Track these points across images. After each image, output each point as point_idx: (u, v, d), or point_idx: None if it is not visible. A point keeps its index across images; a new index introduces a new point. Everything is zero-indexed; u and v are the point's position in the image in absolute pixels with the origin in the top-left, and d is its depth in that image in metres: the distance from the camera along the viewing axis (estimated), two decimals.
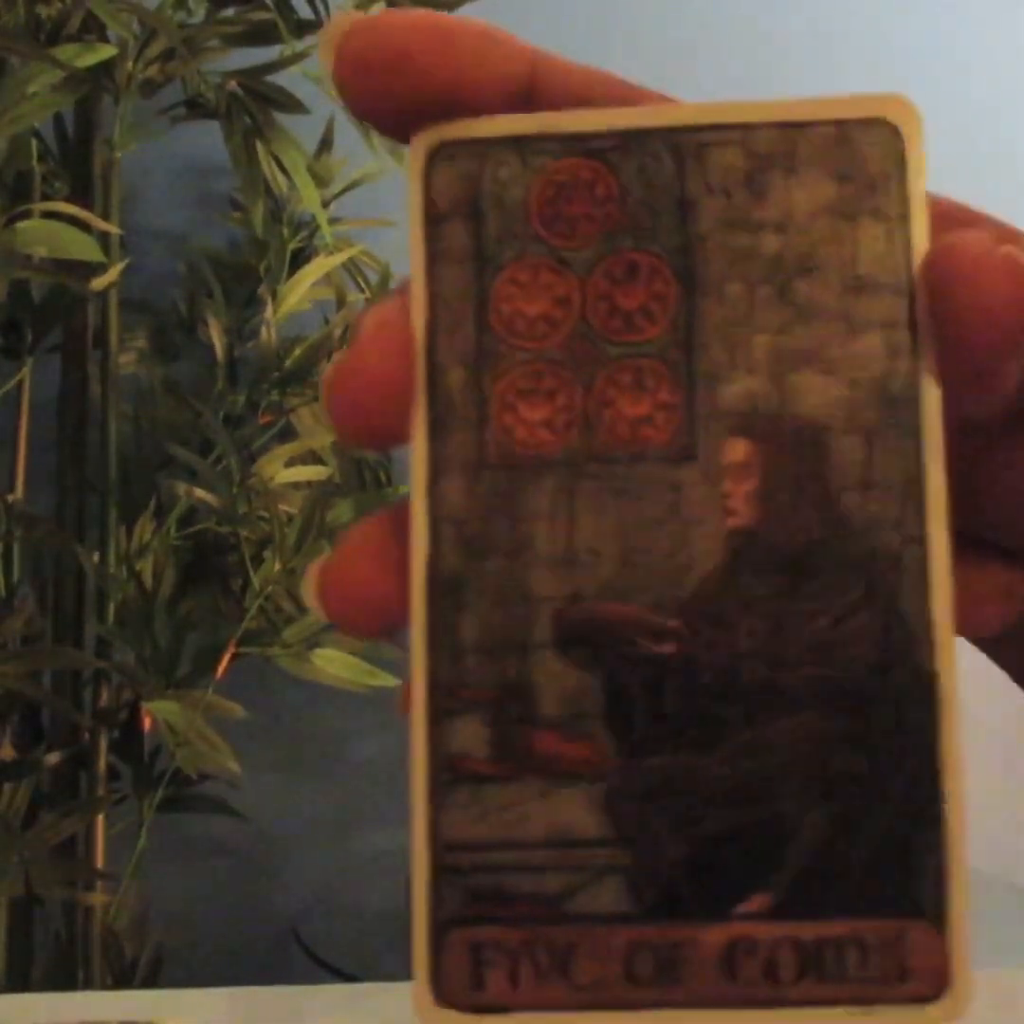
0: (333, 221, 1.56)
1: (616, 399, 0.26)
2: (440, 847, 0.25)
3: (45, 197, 1.43)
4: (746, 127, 0.27)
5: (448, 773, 0.25)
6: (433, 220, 0.26)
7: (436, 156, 0.26)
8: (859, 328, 0.25)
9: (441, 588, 0.25)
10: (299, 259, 1.57)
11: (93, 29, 1.42)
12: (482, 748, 0.25)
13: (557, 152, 0.26)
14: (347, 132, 1.54)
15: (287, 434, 1.55)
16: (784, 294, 0.26)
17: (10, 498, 1.47)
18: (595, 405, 0.26)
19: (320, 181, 1.54)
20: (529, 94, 0.27)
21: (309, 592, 0.26)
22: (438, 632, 0.25)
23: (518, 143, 0.26)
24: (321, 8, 1.48)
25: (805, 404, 0.25)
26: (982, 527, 0.29)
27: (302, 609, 1.43)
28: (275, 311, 1.55)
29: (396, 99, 0.26)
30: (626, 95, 0.28)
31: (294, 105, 1.46)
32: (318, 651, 1.44)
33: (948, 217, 0.28)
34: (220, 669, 1.48)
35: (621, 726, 0.25)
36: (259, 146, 1.44)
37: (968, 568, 0.29)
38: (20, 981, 1.46)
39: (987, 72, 1.95)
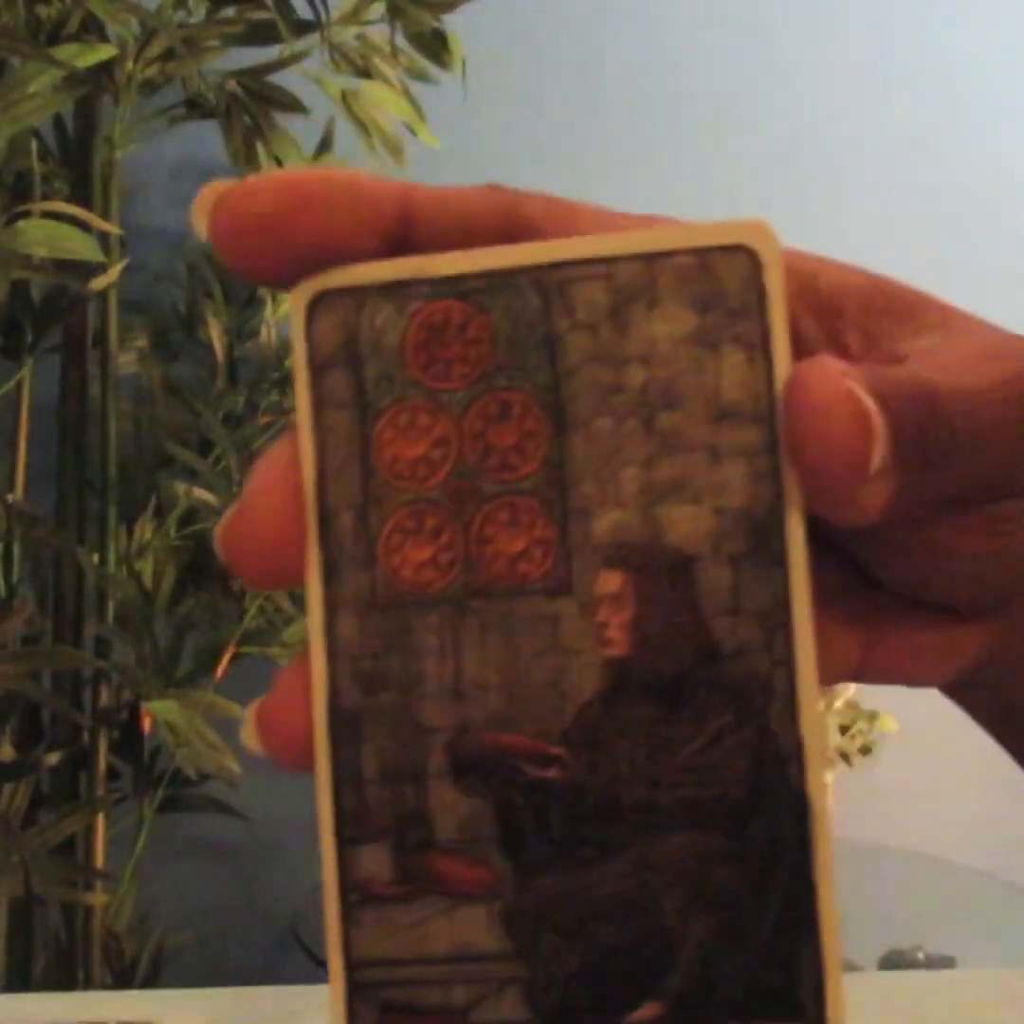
0: None
1: (495, 536, 0.27)
2: (353, 964, 0.26)
3: (45, 197, 1.43)
4: (608, 261, 0.27)
5: (357, 895, 0.27)
6: (316, 367, 0.27)
7: (316, 306, 0.27)
8: (724, 456, 0.26)
9: (341, 723, 0.27)
10: None
11: (93, 29, 1.42)
12: (387, 872, 0.26)
13: (429, 296, 0.27)
14: (347, 132, 1.54)
15: None
16: (650, 426, 0.26)
17: (10, 498, 1.47)
18: (475, 543, 0.27)
19: None
20: (404, 233, 0.28)
21: (248, 732, 0.28)
22: (340, 764, 0.27)
23: (391, 289, 0.27)
24: (321, 8, 1.48)
25: (674, 534, 0.26)
26: (925, 591, 0.30)
27: (302, 609, 1.43)
28: (275, 311, 1.55)
29: (270, 260, 0.27)
30: (501, 212, 0.28)
31: (294, 105, 1.46)
32: None
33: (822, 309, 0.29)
34: (220, 669, 1.48)
35: (514, 848, 0.26)
36: (259, 146, 1.44)
37: (914, 627, 0.31)
38: (20, 981, 1.46)
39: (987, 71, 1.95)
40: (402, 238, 0.28)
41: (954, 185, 1.94)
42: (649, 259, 0.27)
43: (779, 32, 1.92)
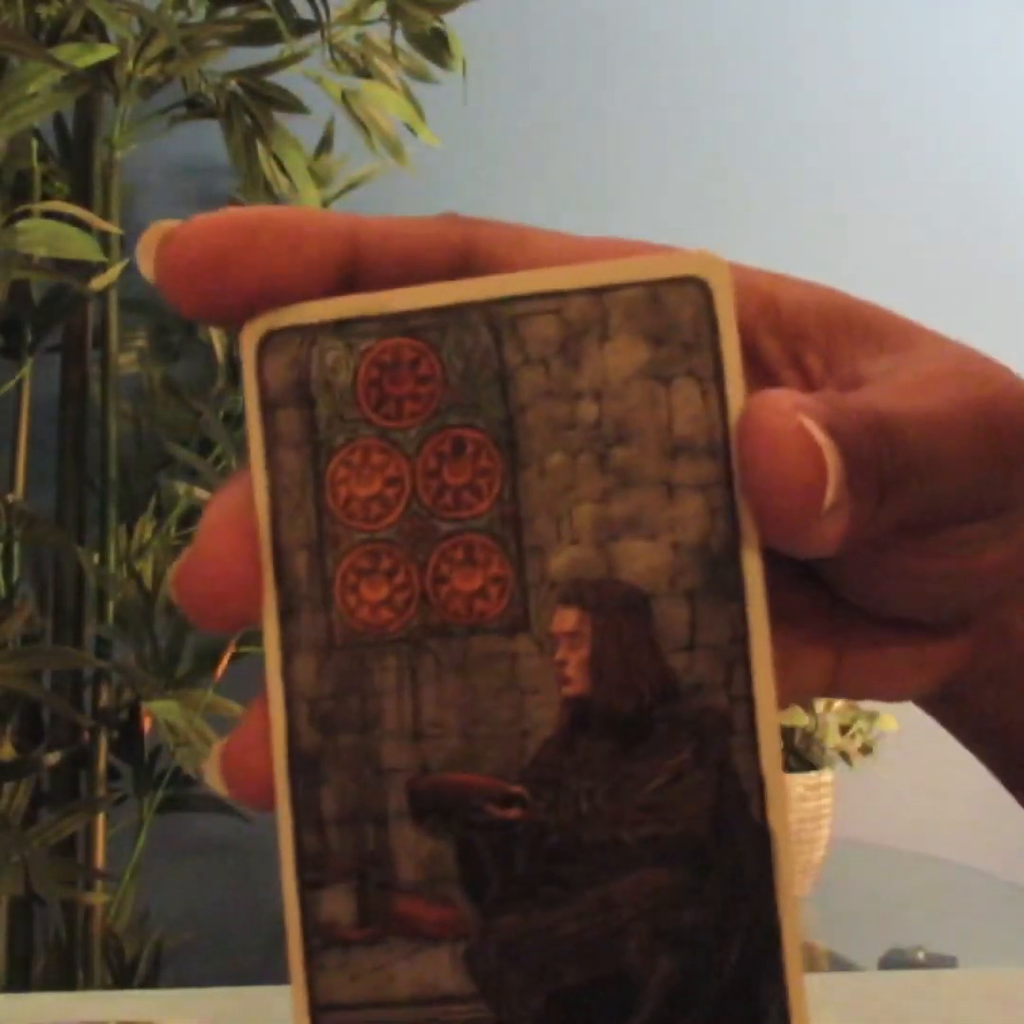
0: None
1: (450, 575, 0.27)
2: (317, 1009, 0.26)
3: (45, 197, 1.43)
4: (559, 295, 0.27)
5: (319, 939, 0.26)
6: (268, 406, 0.27)
7: (266, 344, 0.27)
8: (678, 491, 0.26)
9: (300, 764, 0.27)
10: None
11: (93, 29, 1.42)
12: (349, 914, 0.26)
13: (380, 333, 0.27)
14: (347, 132, 1.54)
15: None
16: (604, 462, 0.26)
17: (10, 498, 1.47)
18: (431, 582, 0.27)
19: (320, 181, 1.54)
20: (353, 269, 0.28)
21: (211, 774, 0.28)
22: (301, 806, 0.27)
23: (342, 327, 0.27)
24: (321, 8, 1.48)
25: (630, 570, 0.26)
26: (891, 609, 0.30)
27: None
28: None
29: (216, 300, 0.27)
30: (453, 241, 0.28)
31: (294, 105, 1.46)
32: None
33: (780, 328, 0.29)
34: (220, 669, 1.48)
35: (476, 888, 0.26)
36: (259, 146, 1.44)
37: (884, 644, 0.31)
38: (20, 981, 1.46)
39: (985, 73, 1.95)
40: (352, 274, 0.28)
41: (954, 195, 1.94)
42: (600, 292, 0.27)
43: (781, 33, 1.92)
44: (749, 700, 0.26)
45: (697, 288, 0.26)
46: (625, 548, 0.26)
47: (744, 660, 0.26)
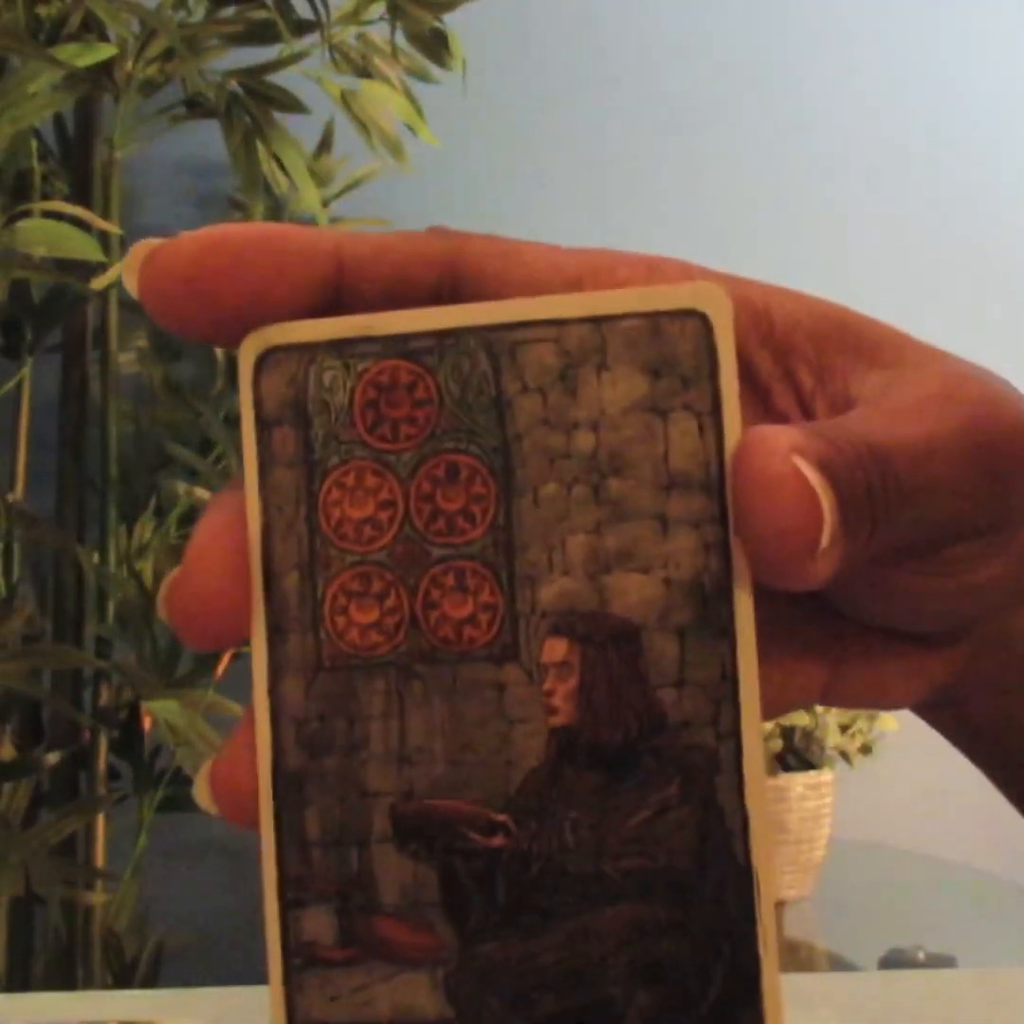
0: (333, 221, 1.56)
1: (441, 601, 0.27)
2: None
3: (45, 197, 1.43)
4: (558, 323, 0.27)
5: (300, 958, 0.26)
6: (264, 424, 0.27)
7: (264, 361, 0.27)
8: (672, 526, 0.26)
9: (285, 785, 0.27)
10: None
11: (93, 29, 1.42)
12: (330, 936, 0.26)
13: (378, 354, 0.27)
14: (347, 132, 1.54)
15: None
16: (599, 493, 0.26)
17: (10, 498, 1.47)
18: (422, 607, 0.26)
19: (320, 181, 1.54)
20: (338, 287, 0.27)
21: (200, 792, 0.28)
22: (285, 826, 0.27)
23: (340, 346, 0.27)
24: (321, 8, 1.48)
25: (621, 603, 0.26)
26: (884, 623, 0.31)
27: None
28: None
29: (201, 319, 0.27)
30: (441, 256, 0.28)
31: (294, 105, 1.46)
32: None
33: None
34: (220, 669, 1.48)
35: (457, 914, 0.26)
36: (259, 146, 1.44)
37: (877, 654, 0.31)
38: (20, 981, 1.46)
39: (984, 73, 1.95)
40: (338, 291, 0.28)
41: (960, 196, 1.94)
42: (599, 322, 0.27)
43: (781, 30, 1.92)
44: (736, 737, 0.26)
45: (698, 321, 0.26)
46: (617, 581, 0.26)
47: (732, 698, 0.26)
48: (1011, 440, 0.29)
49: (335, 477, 0.27)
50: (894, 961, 1.48)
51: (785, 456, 0.25)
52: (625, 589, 0.26)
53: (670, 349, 0.26)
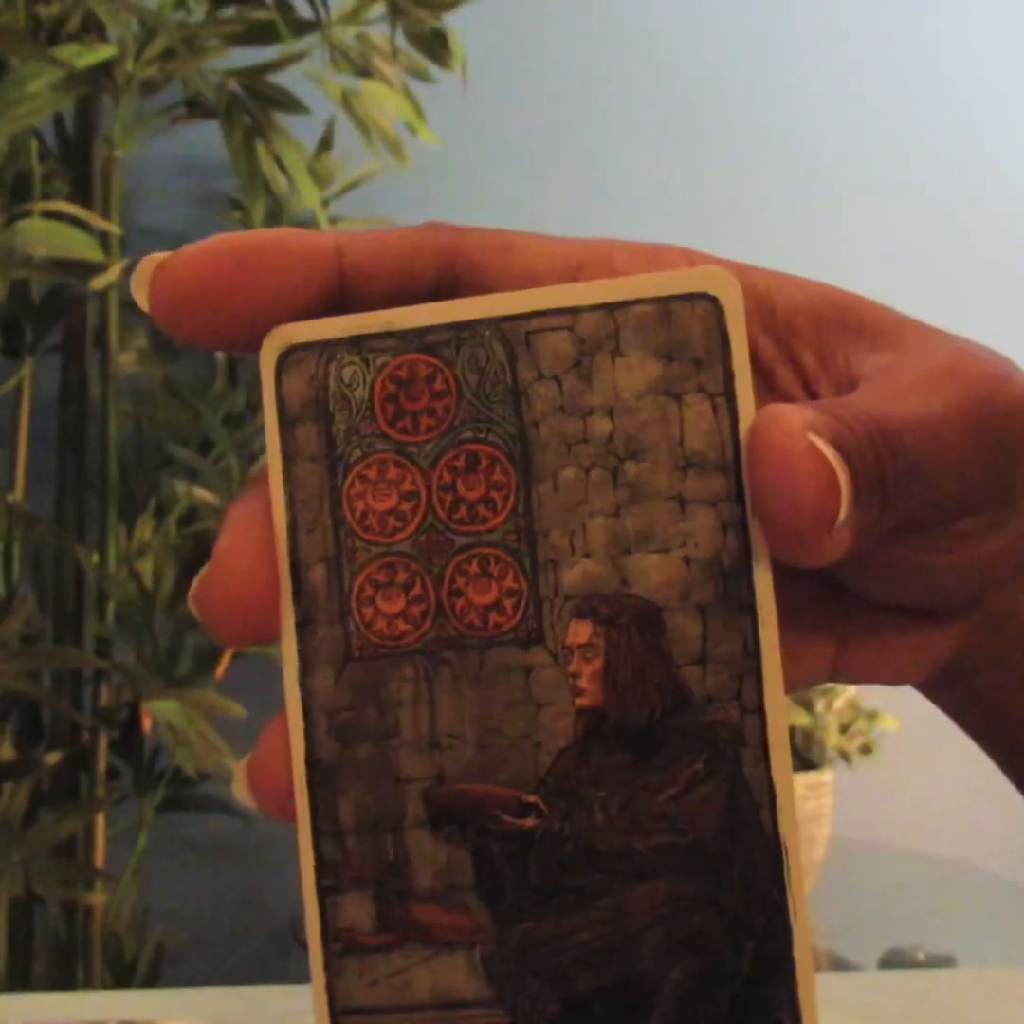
0: (333, 221, 1.56)
1: (465, 588, 0.27)
2: (337, 1013, 0.27)
3: (45, 197, 1.43)
4: (572, 311, 0.27)
5: (338, 944, 0.27)
6: (287, 421, 0.28)
7: (284, 360, 0.28)
8: (690, 506, 0.27)
9: (319, 774, 0.27)
10: None
11: (93, 29, 1.42)
12: (367, 921, 0.27)
13: (396, 349, 0.28)
14: (347, 132, 1.54)
15: None
16: (616, 476, 0.27)
17: (10, 498, 1.47)
18: (447, 595, 0.27)
19: (320, 181, 1.54)
20: (341, 285, 0.28)
21: (238, 786, 0.29)
22: (320, 815, 0.27)
23: (359, 342, 0.28)
24: (321, 8, 1.48)
25: (643, 584, 0.27)
26: (892, 600, 0.31)
27: None
28: None
29: (211, 327, 0.28)
30: (439, 250, 0.29)
31: (294, 105, 1.46)
32: None
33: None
34: (220, 669, 1.48)
35: (492, 895, 0.27)
36: (259, 146, 1.44)
37: (884, 630, 0.32)
38: (20, 981, 1.46)
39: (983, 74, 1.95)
40: (341, 290, 0.28)
41: (953, 187, 1.94)
42: (612, 309, 0.27)
43: (781, 32, 1.92)
44: (760, 711, 0.26)
45: (708, 304, 0.27)
46: (637, 562, 0.27)
47: (755, 673, 0.26)
48: (1013, 416, 0.29)
49: (358, 470, 0.27)
50: (894, 961, 1.48)
51: (800, 433, 0.26)
52: (646, 570, 0.27)
53: (682, 333, 0.27)
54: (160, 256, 0.28)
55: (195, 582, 0.27)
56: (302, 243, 0.28)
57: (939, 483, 0.28)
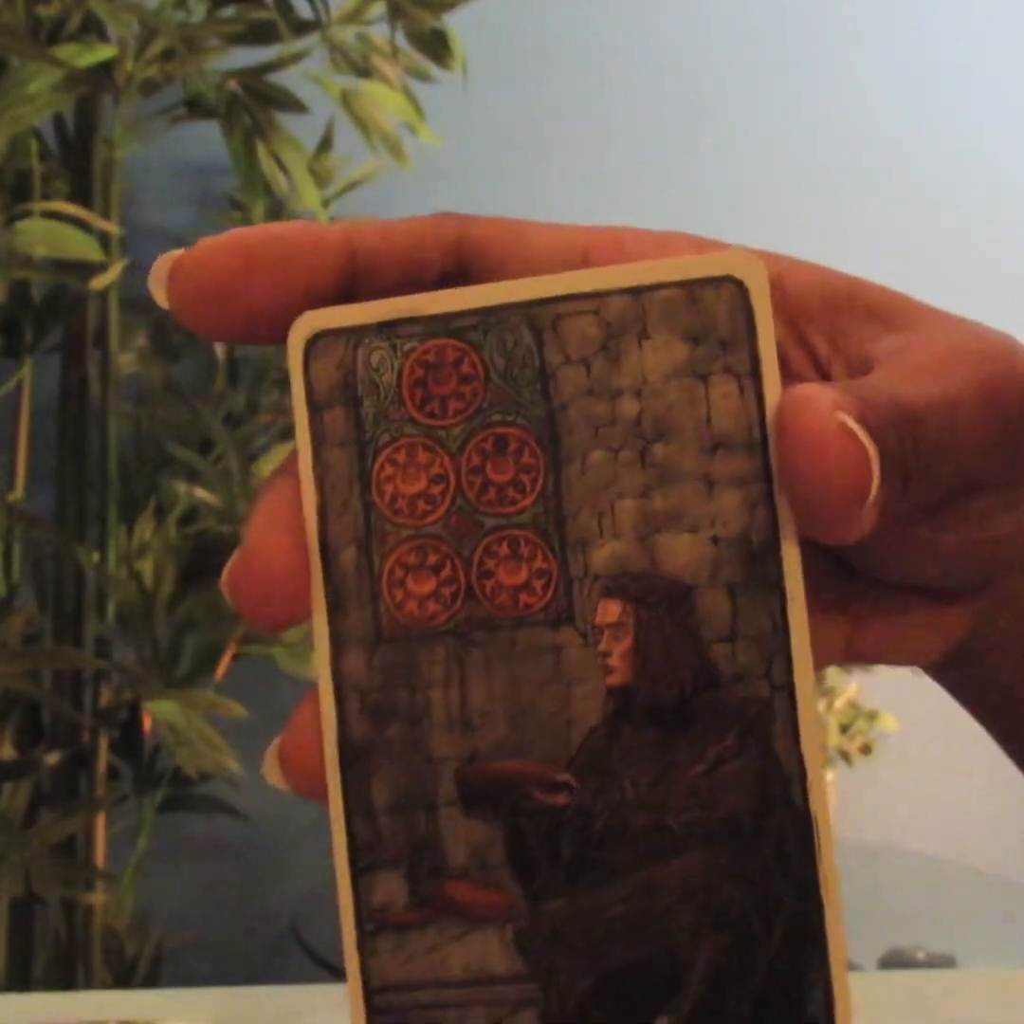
0: (333, 221, 1.56)
1: (495, 569, 0.27)
2: (371, 991, 0.27)
3: (45, 197, 1.43)
4: (598, 295, 0.28)
5: (373, 923, 0.27)
6: (315, 407, 0.28)
7: (312, 346, 0.28)
8: (718, 486, 0.27)
9: (351, 755, 0.28)
10: None
11: (93, 29, 1.42)
12: (401, 899, 0.27)
13: (423, 334, 0.28)
14: (347, 132, 1.54)
15: (287, 434, 1.55)
16: (645, 457, 0.27)
17: (10, 498, 1.47)
18: (477, 576, 0.27)
19: (320, 181, 1.54)
20: (352, 274, 0.29)
21: (269, 768, 0.29)
22: (352, 795, 0.28)
23: (386, 328, 0.28)
24: (321, 8, 1.48)
25: (671, 563, 0.27)
26: (907, 579, 0.31)
27: None
28: None
29: (230, 320, 0.28)
30: (447, 238, 0.29)
31: (294, 105, 1.46)
32: None
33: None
34: (220, 669, 1.48)
35: (525, 872, 0.27)
36: (259, 146, 1.44)
37: (898, 609, 0.32)
38: (20, 981, 1.46)
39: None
40: (352, 278, 0.29)
41: (955, 186, 1.94)
42: (638, 292, 0.27)
43: (781, 28, 1.92)
44: (789, 688, 0.27)
45: (734, 287, 0.27)
46: (666, 542, 0.27)
47: (784, 650, 0.27)
48: (1023, 394, 0.29)
49: (387, 454, 0.28)
50: (894, 961, 1.48)
51: (830, 413, 0.26)
52: (675, 549, 0.27)
53: (708, 315, 0.27)
54: (175, 253, 0.28)
55: (226, 568, 0.28)
56: (311, 234, 0.28)
57: (957, 462, 0.29)
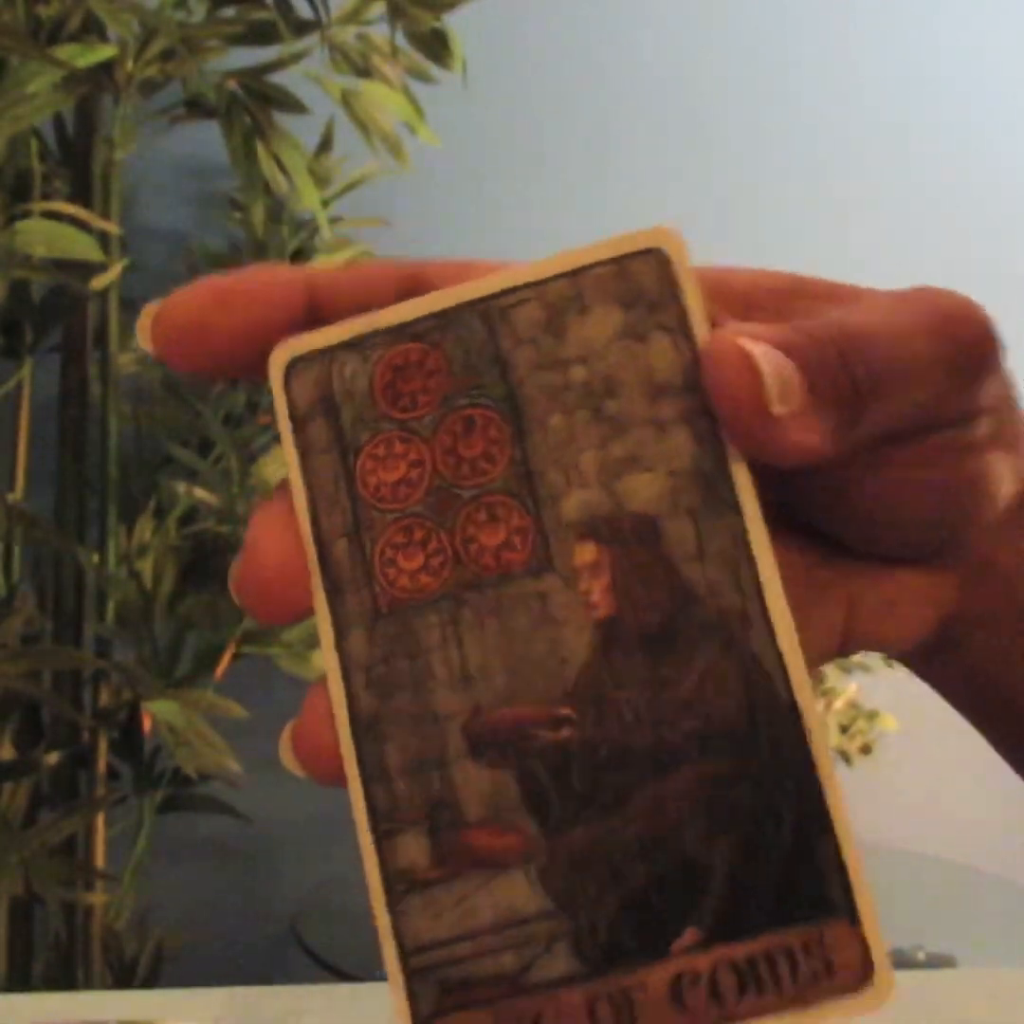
0: (333, 221, 1.56)
1: (477, 534, 0.30)
2: (407, 951, 0.28)
3: (45, 197, 1.43)
4: (539, 283, 0.31)
5: (400, 885, 0.29)
6: (298, 422, 0.31)
7: (291, 370, 0.31)
8: (667, 427, 0.30)
9: (362, 727, 0.29)
10: (299, 259, 1.58)
11: (93, 29, 1.42)
12: (424, 858, 0.29)
13: (388, 342, 0.31)
14: (347, 132, 1.54)
15: None
16: (598, 414, 0.30)
17: (10, 498, 1.47)
18: (461, 543, 0.30)
19: (320, 181, 1.54)
20: (312, 312, 0.32)
21: (284, 753, 0.31)
22: (367, 765, 0.29)
23: (355, 343, 0.31)
24: (321, 8, 1.48)
25: (636, 501, 0.29)
26: (884, 542, 0.33)
27: None
28: None
29: (208, 359, 0.32)
30: (399, 278, 0.32)
31: (294, 105, 1.46)
32: (318, 651, 1.43)
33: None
34: (220, 669, 1.48)
35: (539, 810, 0.28)
36: (259, 146, 1.44)
37: (885, 584, 0.34)
38: (20, 981, 1.46)
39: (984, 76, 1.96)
40: (310, 315, 0.32)
41: (955, 186, 1.94)
42: (574, 274, 0.31)
43: (781, 28, 1.92)
44: (758, 593, 0.29)
45: (657, 257, 0.31)
46: (628, 483, 0.29)
47: (748, 559, 0.29)
48: (981, 340, 0.31)
49: (368, 451, 0.30)
50: (894, 961, 1.47)
51: (732, 337, 0.29)
52: (636, 488, 0.29)
53: (637, 284, 0.30)
54: (153, 306, 0.32)
55: (231, 572, 0.31)
56: (273, 279, 0.32)
57: (912, 387, 0.30)
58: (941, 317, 0.31)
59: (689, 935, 0.27)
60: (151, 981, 1.50)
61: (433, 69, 1.53)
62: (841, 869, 0.28)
